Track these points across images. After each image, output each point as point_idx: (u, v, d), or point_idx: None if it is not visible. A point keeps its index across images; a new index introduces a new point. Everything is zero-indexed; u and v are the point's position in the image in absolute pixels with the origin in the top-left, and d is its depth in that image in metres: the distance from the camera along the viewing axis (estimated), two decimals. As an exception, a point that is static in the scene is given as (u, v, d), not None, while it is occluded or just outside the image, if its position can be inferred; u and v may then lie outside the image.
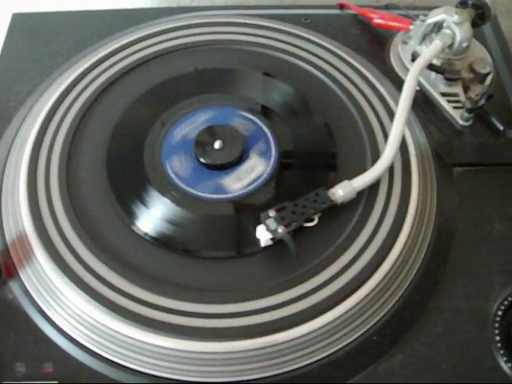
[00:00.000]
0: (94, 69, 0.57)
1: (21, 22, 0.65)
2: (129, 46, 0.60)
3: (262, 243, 0.45)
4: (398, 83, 0.58)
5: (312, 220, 0.46)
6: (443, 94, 0.56)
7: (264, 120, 0.54)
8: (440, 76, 0.57)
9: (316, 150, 0.52)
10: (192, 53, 0.60)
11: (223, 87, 0.57)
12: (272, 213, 0.45)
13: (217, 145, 0.50)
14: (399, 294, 0.46)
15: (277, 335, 0.42)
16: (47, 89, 0.57)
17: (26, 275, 0.46)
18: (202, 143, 0.51)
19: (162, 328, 0.42)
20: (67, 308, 0.44)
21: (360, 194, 0.48)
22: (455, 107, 0.56)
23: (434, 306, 0.46)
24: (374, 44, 0.63)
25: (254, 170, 0.50)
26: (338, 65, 0.59)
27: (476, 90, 0.57)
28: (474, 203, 0.52)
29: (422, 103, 0.57)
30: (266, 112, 0.54)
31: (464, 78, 0.57)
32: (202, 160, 0.50)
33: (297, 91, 0.56)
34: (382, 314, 0.45)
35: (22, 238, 0.46)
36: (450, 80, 0.56)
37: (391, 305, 0.45)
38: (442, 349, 0.44)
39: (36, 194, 0.48)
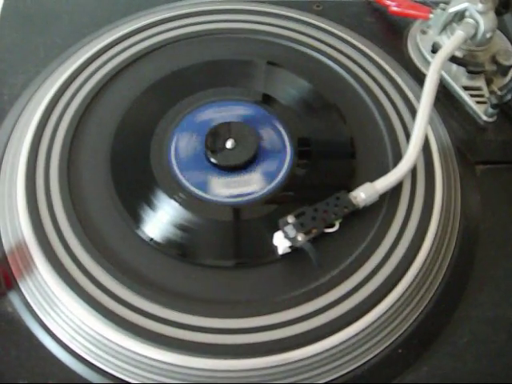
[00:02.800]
0: (94, 61, 0.53)
1: (13, 9, 0.61)
2: (130, 36, 0.56)
3: (280, 251, 0.42)
4: (417, 75, 0.56)
5: (332, 225, 0.43)
6: (465, 88, 0.54)
7: (278, 115, 0.50)
8: (462, 68, 0.54)
9: (333, 141, 0.50)
10: (197, 43, 0.56)
11: (233, 79, 0.53)
12: (291, 219, 0.42)
13: (229, 144, 0.47)
14: (424, 304, 0.44)
15: (297, 351, 0.39)
16: (44, 82, 0.54)
17: (27, 286, 0.43)
18: (212, 142, 0.47)
19: (172, 344, 0.39)
20: (71, 322, 0.41)
21: (382, 196, 0.45)
22: (478, 102, 0.53)
23: (459, 315, 0.44)
24: (390, 33, 0.60)
25: (270, 168, 0.47)
26: (353, 55, 0.55)
27: (499, 83, 0.54)
28: (497, 203, 0.50)
29: (443, 97, 0.54)
30: (278, 106, 0.51)
31: (487, 70, 0.54)
32: (213, 160, 0.47)
33: (310, 84, 0.53)
34: (407, 325, 0.43)
35: (22, 247, 0.43)
36: (472, 73, 0.53)
37: (416, 315, 0.43)
38: (469, 360, 0.42)
39: (35, 198, 0.45)
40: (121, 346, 0.40)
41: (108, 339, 0.40)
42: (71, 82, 0.52)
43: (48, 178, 0.46)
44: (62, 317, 0.41)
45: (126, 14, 0.61)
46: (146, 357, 0.39)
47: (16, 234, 0.44)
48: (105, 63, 0.54)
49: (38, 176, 0.46)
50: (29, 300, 0.42)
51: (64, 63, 0.55)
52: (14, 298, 0.43)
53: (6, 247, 0.44)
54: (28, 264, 0.43)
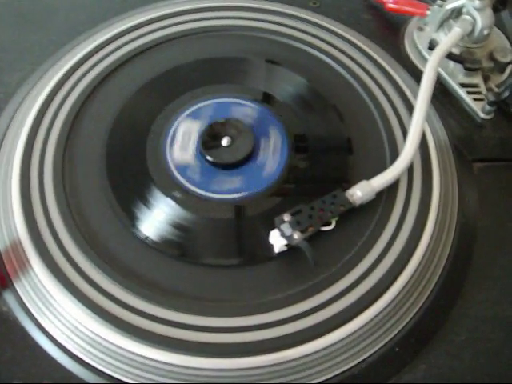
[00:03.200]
0: (89, 58, 0.53)
1: (8, 6, 0.61)
2: (126, 34, 0.56)
3: (276, 249, 0.42)
4: (414, 72, 0.55)
5: (329, 224, 0.43)
6: (462, 85, 0.53)
7: (274, 112, 0.50)
8: (459, 65, 0.54)
9: (330, 138, 0.49)
10: (194, 40, 0.56)
11: (229, 77, 0.53)
12: (287, 217, 0.42)
13: (225, 141, 0.47)
14: (421, 302, 0.43)
15: (293, 350, 0.39)
16: (39, 80, 0.53)
17: (22, 286, 0.42)
18: (208, 140, 0.47)
19: (168, 344, 0.39)
20: (66, 321, 0.41)
21: (378, 194, 0.45)
22: (475, 99, 0.52)
23: (457, 313, 0.44)
24: (387, 30, 0.60)
25: (266, 165, 0.47)
26: (350, 52, 0.55)
27: (496, 80, 0.54)
28: (495, 201, 0.49)
29: (440, 94, 0.54)
30: (275, 103, 0.51)
31: (484, 67, 0.54)
32: (208, 158, 0.46)
33: (307, 81, 0.52)
34: (403, 324, 0.42)
35: (16, 246, 0.43)
36: (469, 70, 0.53)
37: (413, 313, 0.43)
38: (467, 358, 0.42)
39: (30, 197, 0.45)
40: (116, 346, 0.39)
41: (103, 338, 0.39)
42: (67, 80, 0.52)
43: (42, 177, 0.46)
44: (58, 316, 0.41)
45: (121, 11, 0.61)
46: (142, 356, 0.39)
47: (10, 234, 0.44)
48: (100, 60, 0.53)
49: (33, 175, 0.46)
50: (24, 299, 0.42)
51: (59, 61, 0.55)
52: (8, 297, 0.42)
53: (1, 247, 0.44)
54: (23, 263, 0.42)
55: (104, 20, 0.59)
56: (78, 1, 0.62)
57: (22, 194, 0.45)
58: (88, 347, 0.40)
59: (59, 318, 0.41)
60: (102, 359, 0.40)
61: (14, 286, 0.43)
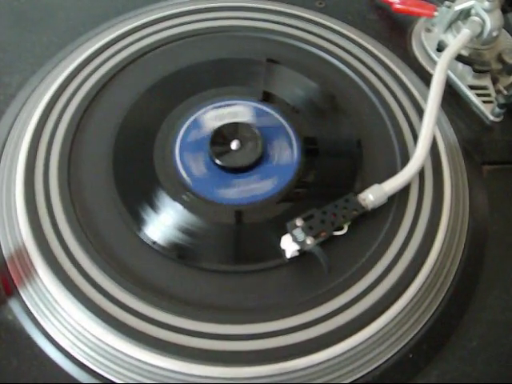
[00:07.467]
0: (92, 60, 0.52)
1: (8, 6, 0.60)
2: (127, 35, 0.55)
3: (288, 255, 0.42)
4: (422, 73, 0.55)
5: (341, 228, 0.42)
6: (471, 87, 0.53)
7: (283, 114, 0.49)
8: (467, 67, 0.53)
9: (340, 141, 0.49)
10: (198, 41, 0.55)
11: (235, 79, 0.52)
12: (299, 222, 0.41)
13: (234, 145, 0.46)
14: (434, 307, 0.43)
15: (306, 358, 0.38)
16: (41, 81, 0.52)
17: (27, 293, 0.41)
18: (217, 143, 0.46)
19: (178, 352, 0.38)
20: (73, 329, 0.40)
21: (390, 198, 0.45)
22: (485, 101, 0.52)
23: (469, 319, 0.43)
24: (394, 31, 0.59)
25: (276, 169, 0.46)
26: (357, 53, 0.55)
27: (504, 82, 0.54)
28: (505, 204, 0.49)
29: (449, 96, 0.53)
30: (284, 106, 0.50)
31: (493, 69, 0.53)
32: (217, 162, 0.46)
33: (316, 83, 0.52)
34: (417, 330, 0.42)
35: (21, 252, 0.42)
36: (479, 72, 0.52)
37: (426, 319, 0.42)
38: (479, 364, 0.42)
39: (35, 202, 0.44)
40: (126, 354, 0.38)
41: (112, 347, 0.39)
42: (70, 81, 0.51)
43: (47, 180, 0.45)
44: (64, 324, 0.40)
45: (122, 11, 0.60)
46: (149, 364, 0.38)
47: (15, 239, 0.43)
48: (104, 62, 0.53)
49: (37, 178, 0.45)
50: (29, 307, 0.41)
51: (61, 62, 0.54)
52: (14, 305, 0.41)
53: (6, 253, 0.43)
54: (28, 270, 0.41)
55: (105, 21, 0.59)
56: (78, 1, 0.61)
57: (26, 199, 0.44)
58: (96, 355, 0.39)
59: (66, 326, 0.40)
60: (110, 368, 0.39)
61: (19, 294, 0.42)
